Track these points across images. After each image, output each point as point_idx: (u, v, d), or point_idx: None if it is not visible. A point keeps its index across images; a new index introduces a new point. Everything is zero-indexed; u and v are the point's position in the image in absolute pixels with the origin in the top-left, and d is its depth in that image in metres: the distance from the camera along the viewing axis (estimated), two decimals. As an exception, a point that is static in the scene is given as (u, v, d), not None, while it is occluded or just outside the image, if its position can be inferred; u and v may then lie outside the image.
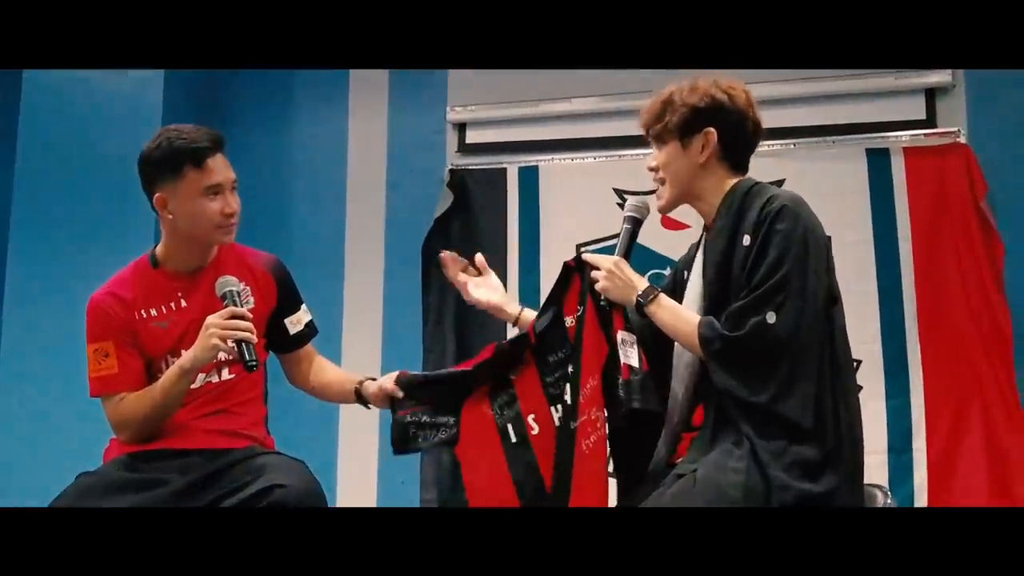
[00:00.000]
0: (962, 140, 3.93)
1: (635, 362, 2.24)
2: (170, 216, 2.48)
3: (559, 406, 2.33)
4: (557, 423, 2.33)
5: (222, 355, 2.44)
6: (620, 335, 2.27)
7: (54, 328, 4.11)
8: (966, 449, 3.79)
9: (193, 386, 2.47)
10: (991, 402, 3.78)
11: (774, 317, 2.06)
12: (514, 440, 2.37)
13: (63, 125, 4.41)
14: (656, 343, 2.29)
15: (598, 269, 2.29)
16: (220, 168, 2.46)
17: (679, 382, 2.29)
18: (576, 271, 2.37)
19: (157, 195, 2.47)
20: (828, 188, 3.92)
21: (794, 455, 2.03)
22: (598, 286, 2.29)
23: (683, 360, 2.28)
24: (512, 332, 2.54)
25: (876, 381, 3.89)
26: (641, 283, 2.26)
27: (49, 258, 4.32)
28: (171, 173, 2.44)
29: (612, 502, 2.29)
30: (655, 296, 2.23)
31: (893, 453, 3.83)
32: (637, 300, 2.24)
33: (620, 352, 2.25)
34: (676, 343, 2.28)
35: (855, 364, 3.71)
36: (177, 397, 2.43)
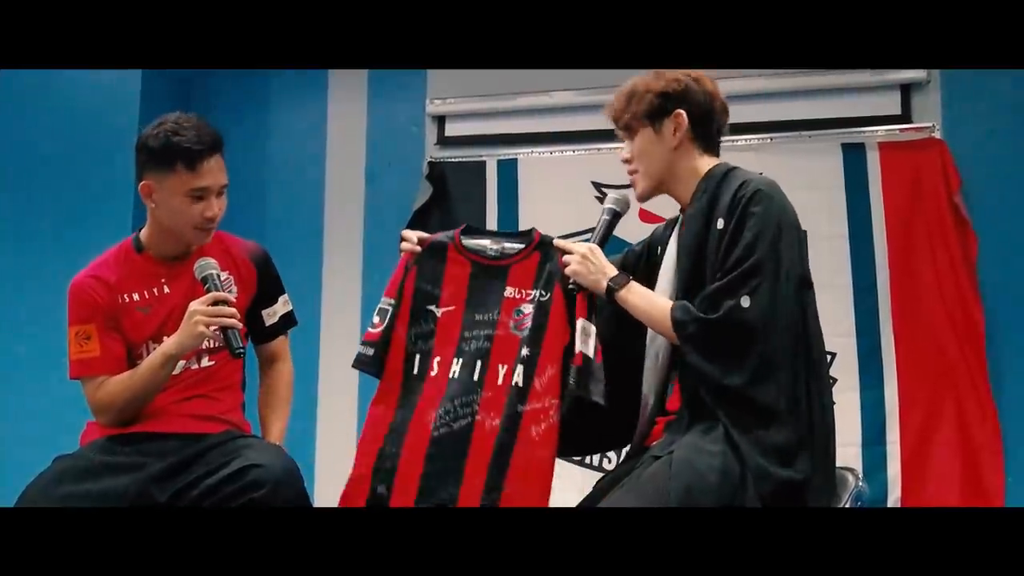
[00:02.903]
0: (937, 135, 3.96)
1: (590, 352, 2.25)
2: (152, 205, 2.48)
3: (479, 366, 2.32)
4: (462, 374, 2.32)
5: (206, 342, 2.44)
6: (580, 323, 2.27)
7: (30, 314, 4.10)
8: (939, 441, 3.83)
9: (173, 372, 2.47)
10: (964, 394, 3.82)
11: (748, 301, 2.06)
12: (415, 372, 2.36)
13: (42, 115, 4.41)
14: (626, 330, 2.31)
15: (571, 254, 2.31)
16: (212, 172, 2.44)
17: (652, 368, 2.30)
18: (537, 249, 2.38)
19: (144, 182, 2.46)
20: (804, 182, 3.92)
21: (770, 442, 2.03)
22: (569, 269, 2.29)
23: (655, 346, 2.30)
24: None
25: (850, 374, 3.92)
26: (612, 270, 2.28)
27: (26, 246, 4.30)
28: (163, 166, 2.42)
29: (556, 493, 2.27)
30: (626, 282, 2.25)
31: (867, 445, 3.87)
32: (608, 285, 2.25)
33: (577, 339, 2.25)
34: (648, 330, 2.29)
35: (830, 357, 3.82)
36: (159, 383, 2.42)
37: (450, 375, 2.34)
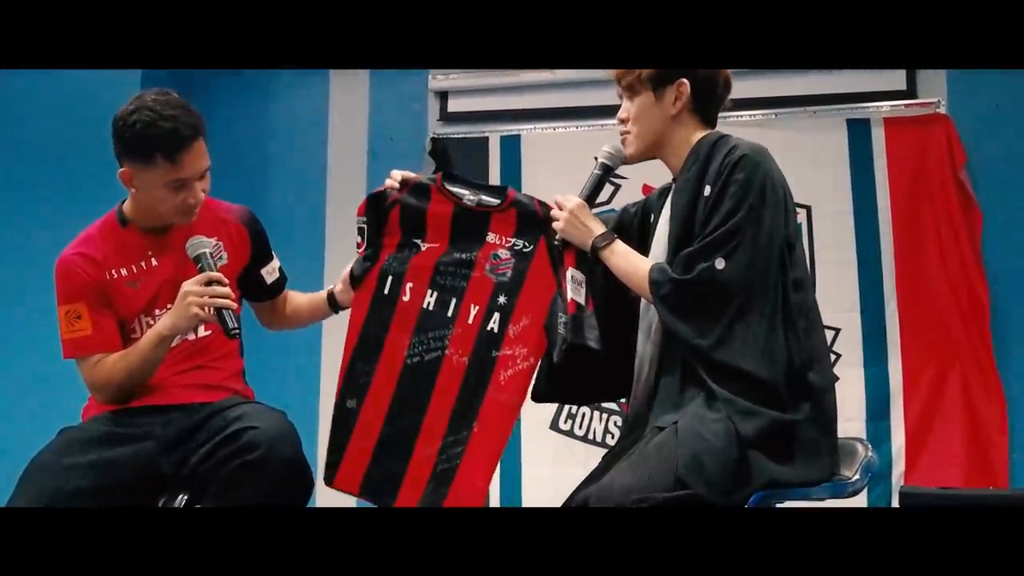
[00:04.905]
0: (942, 111, 3.96)
1: (582, 300, 2.31)
2: (133, 190, 2.44)
3: (453, 303, 2.40)
4: (437, 308, 2.40)
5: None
6: (570, 272, 2.33)
7: (34, 315, 4.09)
8: (944, 417, 3.84)
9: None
10: (969, 371, 3.83)
11: (723, 263, 2.09)
12: (385, 293, 2.43)
13: (41, 115, 4.39)
14: (618, 293, 2.33)
15: (560, 208, 2.35)
16: (193, 160, 2.36)
17: (645, 338, 2.31)
18: (512, 206, 2.43)
19: (123, 170, 2.40)
20: (809, 158, 3.95)
21: (743, 403, 2.06)
22: (556, 225, 2.35)
23: (648, 316, 2.30)
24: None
25: (854, 349, 3.93)
26: (599, 228, 2.32)
27: (26, 248, 4.26)
28: (141, 157, 2.34)
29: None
30: (611, 242, 2.29)
31: (871, 419, 3.88)
32: (593, 244, 2.29)
33: (569, 288, 2.31)
34: (642, 300, 2.30)
35: (834, 332, 3.83)
36: (155, 363, 2.40)
37: (423, 305, 2.42)
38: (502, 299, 2.39)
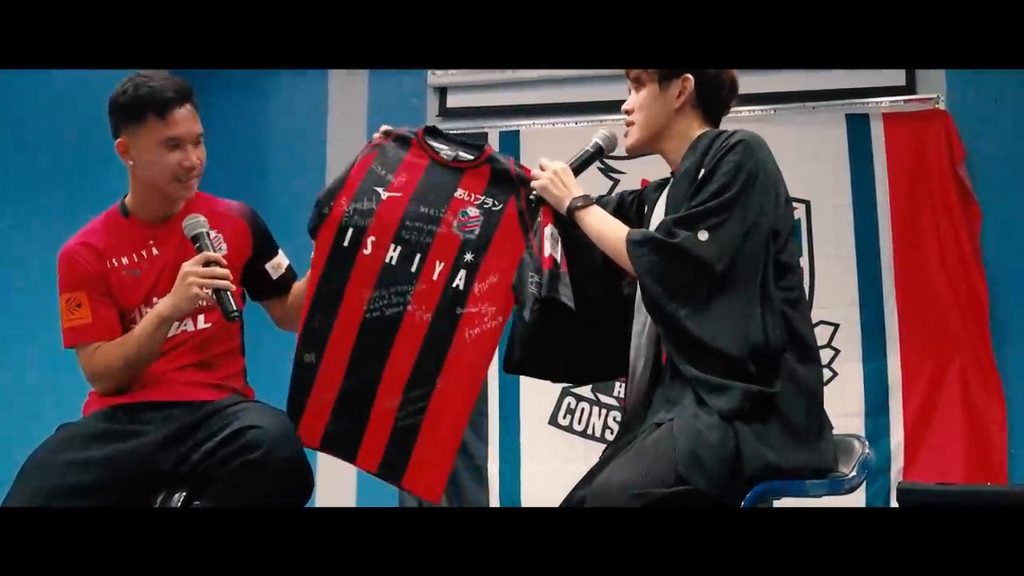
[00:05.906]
0: (941, 106, 3.96)
1: (558, 257, 2.32)
2: (131, 163, 2.47)
3: (417, 259, 2.39)
4: (400, 263, 2.38)
5: (201, 302, 2.41)
6: (549, 228, 2.34)
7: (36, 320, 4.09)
8: (942, 412, 3.85)
9: (169, 333, 2.45)
10: (968, 366, 3.83)
11: (705, 235, 2.10)
12: (345, 245, 2.41)
13: (40, 116, 4.37)
14: (615, 278, 2.35)
15: (543, 169, 2.38)
16: (184, 120, 2.43)
17: (639, 334, 2.32)
18: (487, 162, 2.44)
19: (119, 140, 2.45)
20: (808, 153, 3.96)
21: (714, 380, 2.07)
22: (537, 183, 2.37)
23: (643, 313, 2.29)
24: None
25: (853, 345, 3.94)
26: (579, 191, 2.34)
27: (24, 251, 4.26)
28: (134, 120, 2.42)
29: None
30: (588, 204, 2.31)
31: (870, 415, 3.88)
32: (571, 204, 2.30)
33: (547, 244, 2.32)
34: (637, 297, 2.30)
35: (833, 328, 3.84)
36: (155, 347, 2.41)
37: (385, 259, 2.40)
38: (469, 256, 2.38)
